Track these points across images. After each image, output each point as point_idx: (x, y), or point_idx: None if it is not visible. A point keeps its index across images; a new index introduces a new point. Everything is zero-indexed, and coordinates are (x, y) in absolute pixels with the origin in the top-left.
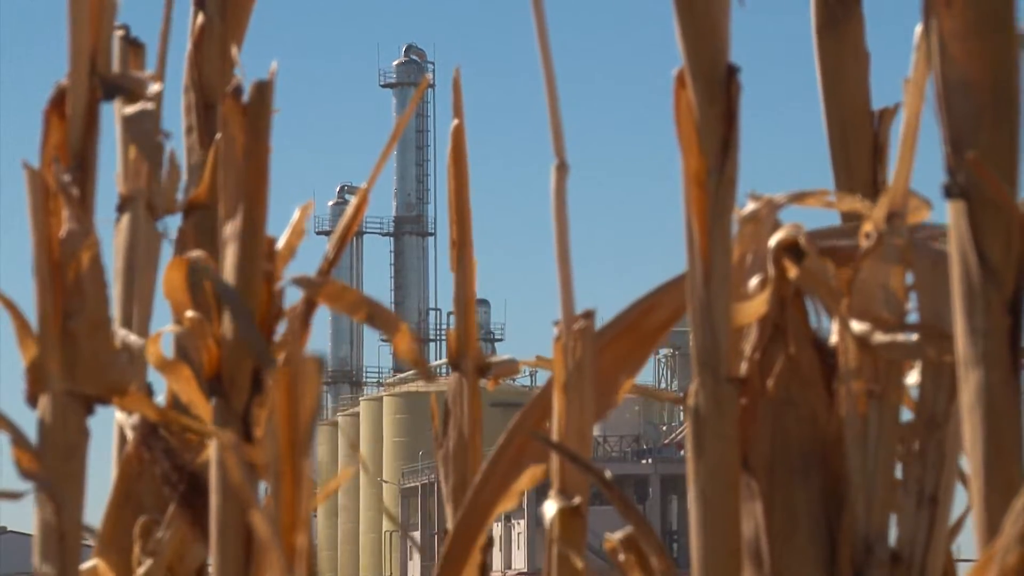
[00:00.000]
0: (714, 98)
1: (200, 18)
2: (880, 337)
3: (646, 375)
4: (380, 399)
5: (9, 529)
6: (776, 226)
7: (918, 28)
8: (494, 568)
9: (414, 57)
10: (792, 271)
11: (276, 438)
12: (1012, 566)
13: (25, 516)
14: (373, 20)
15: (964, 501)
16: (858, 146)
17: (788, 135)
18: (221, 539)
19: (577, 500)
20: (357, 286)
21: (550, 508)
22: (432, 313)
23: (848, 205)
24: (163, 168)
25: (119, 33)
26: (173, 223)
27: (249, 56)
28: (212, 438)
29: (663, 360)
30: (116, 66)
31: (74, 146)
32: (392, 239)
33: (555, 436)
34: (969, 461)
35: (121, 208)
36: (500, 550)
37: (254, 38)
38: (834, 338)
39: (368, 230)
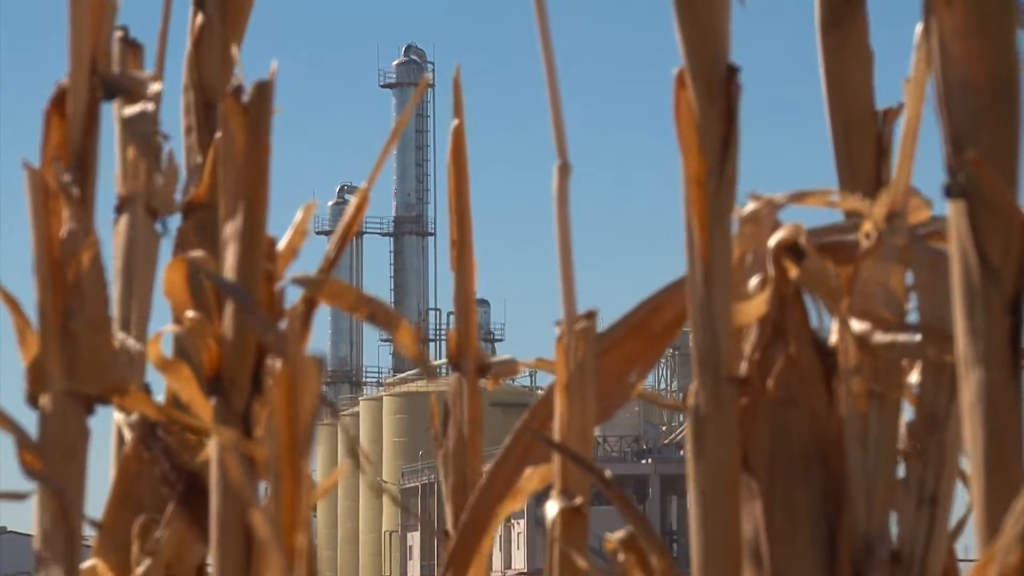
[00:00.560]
0: (714, 98)
1: (200, 18)
2: (880, 337)
3: None
4: (380, 399)
5: (9, 529)
6: (776, 226)
7: (918, 27)
8: (494, 568)
9: (414, 57)
10: (792, 271)
11: (276, 438)
12: (1013, 566)
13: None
14: (373, 20)
15: (967, 501)
16: (862, 146)
17: (789, 135)
18: (221, 539)
19: (579, 500)
20: (357, 286)
21: (552, 508)
22: (432, 313)
23: (849, 205)
24: (162, 168)
25: (118, 34)
26: (173, 223)
27: (249, 56)
28: (212, 437)
29: (663, 360)
30: (115, 67)
31: (74, 146)
32: (392, 239)
33: (557, 436)
34: (970, 461)
35: (120, 208)
36: (500, 550)
37: (254, 38)
38: (834, 338)
39: (368, 230)
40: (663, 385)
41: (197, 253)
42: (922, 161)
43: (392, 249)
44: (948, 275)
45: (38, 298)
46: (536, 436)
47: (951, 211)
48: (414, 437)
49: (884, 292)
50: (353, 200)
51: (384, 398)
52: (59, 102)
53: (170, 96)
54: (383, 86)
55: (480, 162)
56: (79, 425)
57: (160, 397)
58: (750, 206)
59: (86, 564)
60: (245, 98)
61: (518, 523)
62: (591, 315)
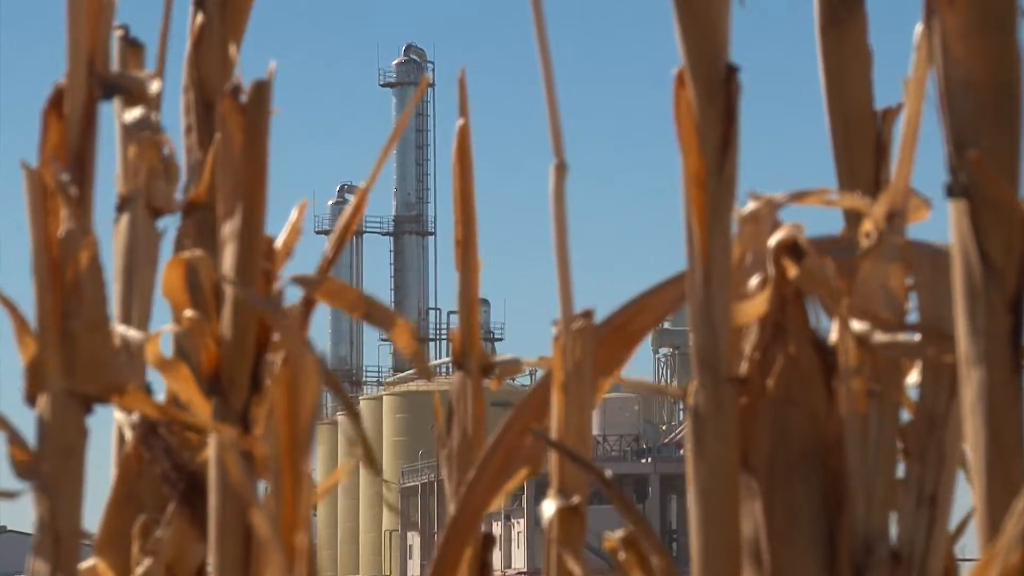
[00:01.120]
0: (714, 98)
1: (199, 18)
2: (880, 336)
3: (646, 374)
4: (380, 398)
5: (9, 529)
6: (776, 225)
7: (919, 27)
8: (494, 567)
9: (414, 57)
10: (792, 270)
11: (276, 437)
12: (1014, 566)
13: (25, 516)
14: (373, 20)
15: (969, 501)
16: (861, 146)
17: (789, 135)
18: (220, 538)
19: (576, 499)
20: (357, 285)
21: (549, 507)
22: (432, 312)
23: (848, 203)
24: (163, 168)
25: (118, 33)
26: (172, 223)
27: (248, 56)
28: (211, 436)
29: (663, 360)
30: (115, 66)
31: (73, 146)
32: (392, 238)
33: (554, 435)
34: (971, 461)
35: (120, 208)
36: (500, 549)
37: (253, 38)
38: (834, 337)
39: (368, 229)
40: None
41: (196, 252)
42: (922, 161)
43: (392, 249)
44: (949, 274)
45: (37, 298)
46: (535, 435)
47: (952, 211)
48: (414, 436)
49: (884, 292)
50: (352, 199)
51: (384, 397)
52: (57, 102)
53: (171, 96)
54: (383, 85)
55: (479, 161)
56: (77, 425)
57: (161, 397)
58: (750, 206)
59: (86, 564)
60: (243, 98)
61: (518, 523)
62: (588, 314)
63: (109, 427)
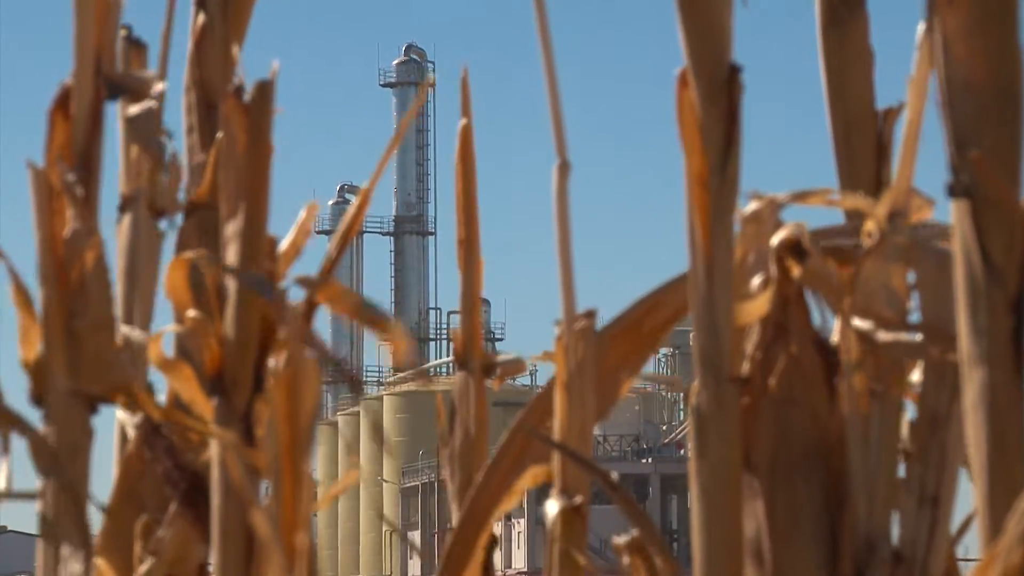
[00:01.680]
0: (716, 98)
1: (201, 18)
2: (883, 336)
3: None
4: (380, 399)
5: (9, 529)
6: (778, 225)
7: (920, 27)
8: (495, 567)
9: (414, 57)
10: (794, 270)
11: (277, 438)
12: (1015, 566)
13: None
14: (373, 20)
15: (971, 502)
16: (862, 146)
17: (791, 135)
18: (222, 538)
19: (579, 499)
20: (357, 285)
21: (552, 507)
22: (432, 312)
23: (850, 203)
24: (165, 168)
25: (121, 33)
26: (175, 223)
27: (250, 56)
28: (213, 438)
29: (663, 360)
30: (119, 66)
31: (78, 146)
32: (392, 238)
33: (556, 435)
34: (972, 461)
35: (123, 208)
36: (500, 549)
37: (255, 38)
38: (836, 337)
39: (368, 229)
40: (663, 385)
41: (198, 252)
42: (923, 160)
43: (392, 248)
44: (951, 274)
45: (42, 298)
46: (537, 435)
47: (954, 211)
48: (414, 436)
49: (886, 291)
50: (354, 200)
51: (384, 398)
52: (63, 102)
53: (173, 95)
54: (383, 85)
55: (480, 161)
56: (83, 425)
57: (162, 397)
58: (752, 205)
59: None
60: (246, 98)
61: (518, 522)
62: (591, 314)
63: (110, 427)
